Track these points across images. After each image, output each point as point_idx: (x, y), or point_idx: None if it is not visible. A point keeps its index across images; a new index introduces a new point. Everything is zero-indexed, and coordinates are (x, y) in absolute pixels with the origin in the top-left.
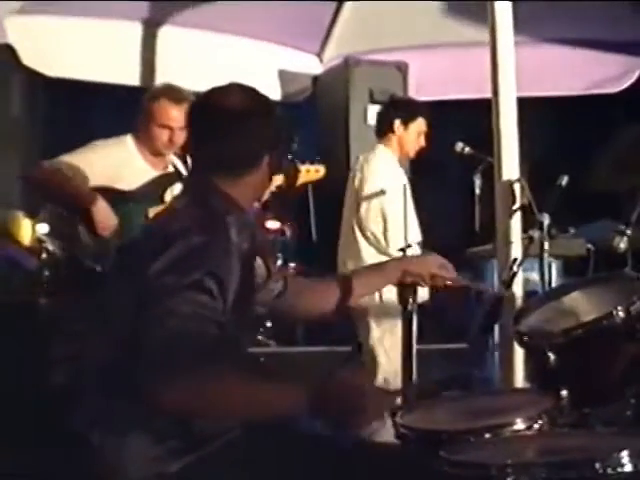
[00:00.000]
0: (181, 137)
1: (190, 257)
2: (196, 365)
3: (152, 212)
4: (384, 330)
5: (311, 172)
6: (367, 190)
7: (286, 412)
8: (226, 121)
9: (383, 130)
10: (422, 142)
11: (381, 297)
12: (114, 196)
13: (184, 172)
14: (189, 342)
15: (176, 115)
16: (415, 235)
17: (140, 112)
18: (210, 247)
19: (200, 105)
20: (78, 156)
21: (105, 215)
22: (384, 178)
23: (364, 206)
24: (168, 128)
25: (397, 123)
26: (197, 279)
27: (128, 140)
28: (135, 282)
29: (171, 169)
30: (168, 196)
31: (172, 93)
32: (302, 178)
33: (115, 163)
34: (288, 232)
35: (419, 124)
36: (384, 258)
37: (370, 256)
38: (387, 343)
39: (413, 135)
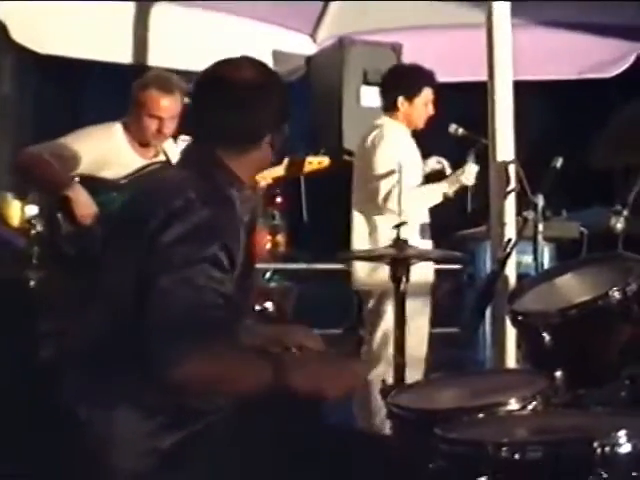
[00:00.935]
0: (171, 126)
1: (202, 229)
2: (209, 337)
3: None
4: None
5: (314, 163)
6: (384, 164)
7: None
8: (234, 94)
9: (387, 106)
10: (430, 111)
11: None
12: (98, 184)
13: (171, 160)
14: (204, 314)
15: (166, 105)
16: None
17: (130, 100)
18: (220, 219)
19: (209, 76)
20: (66, 142)
21: (83, 204)
22: (400, 151)
23: (381, 181)
24: (157, 118)
25: (400, 100)
26: (212, 252)
27: (117, 128)
28: (135, 253)
29: (162, 157)
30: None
31: (162, 82)
32: (306, 168)
33: (102, 151)
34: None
35: (425, 95)
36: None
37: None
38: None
39: (419, 108)
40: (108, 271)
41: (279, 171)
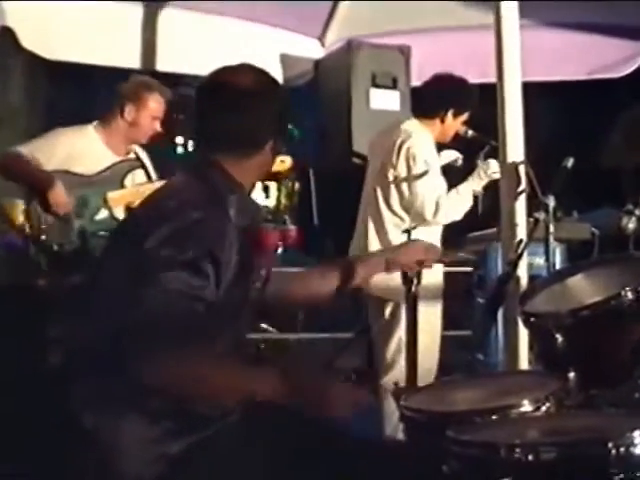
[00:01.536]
0: (153, 127)
1: (186, 233)
2: (178, 343)
3: (111, 196)
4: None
5: (285, 163)
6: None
7: (263, 396)
8: (236, 100)
9: (428, 114)
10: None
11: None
12: (72, 179)
13: (146, 160)
14: (173, 319)
15: (160, 108)
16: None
17: (127, 98)
18: (207, 224)
19: (209, 83)
20: (41, 140)
21: (60, 197)
22: (430, 159)
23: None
24: (156, 119)
25: (451, 112)
26: (191, 257)
27: (89, 127)
28: (129, 258)
29: (132, 156)
30: (128, 181)
31: (161, 88)
32: (275, 167)
33: (76, 147)
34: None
35: (466, 115)
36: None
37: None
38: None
39: (458, 124)
40: (106, 275)
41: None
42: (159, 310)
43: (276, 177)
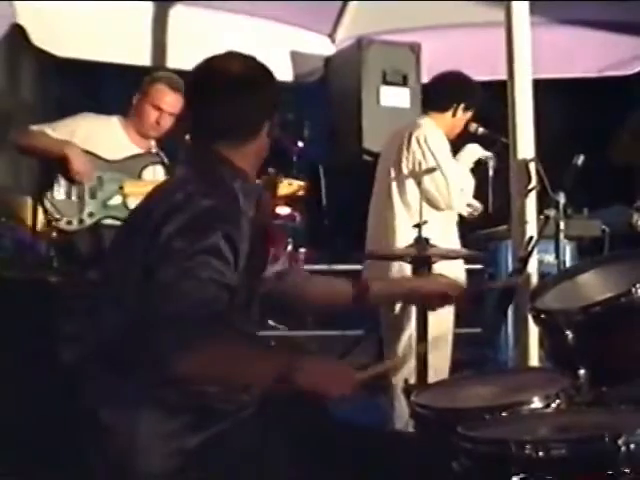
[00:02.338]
0: (169, 123)
1: (202, 220)
2: (212, 329)
3: (128, 184)
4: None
5: (293, 186)
6: (433, 164)
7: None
8: (229, 86)
9: (440, 108)
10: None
11: None
12: (90, 159)
13: (165, 159)
14: (206, 306)
15: (169, 100)
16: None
17: (138, 92)
18: (221, 210)
19: (202, 72)
20: (63, 122)
21: (80, 160)
22: (447, 153)
23: (431, 181)
24: (159, 110)
25: (462, 107)
26: (213, 243)
27: (114, 118)
28: (141, 250)
29: (153, 151)
30: (148, 174)
31: (171, 80)
32: (282, 190)
33: (97, 131)
34: (298, 217)
35: (472, 112)
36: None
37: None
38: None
39: (464, 120)
40: (117, 270)
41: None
42: (189, 300)
43: (290, 200)
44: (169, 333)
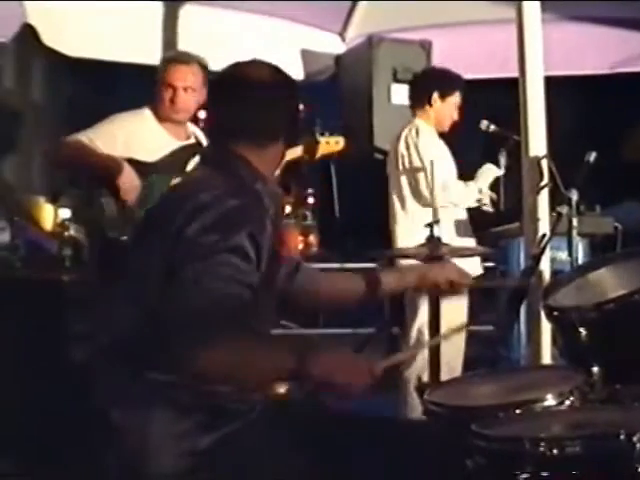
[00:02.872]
0: (185, 98)
1: (228, 219)
2: (231, 328)
3: (175, 183)
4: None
5: (331, 143)
6: (418, 163)
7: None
8: (253, 91)
9: (419, 102)
10: (456, 116)
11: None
12: (135, 166)
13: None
14: (227, 305)
15: (178, 75)
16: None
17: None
18: (246, 210)
19: (226, 77)
20: (99, 129)
21: (130, 179)
22: (432, 151)
23: (418, 178)
24: (171, 87)
25: (435, 95)
26: (238, 242)
27: (146, 111)
28: (162, 248)
29: (192, 140)
30: (191, 168)
31: (179, 54)
32: (321, 150)
33: (134, 133)
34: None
35: (456, 97)
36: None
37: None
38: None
39: (450, 108)
40: (136, 268)
41: (296, 152)
42: (212, 297)
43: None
44: (188, 330)
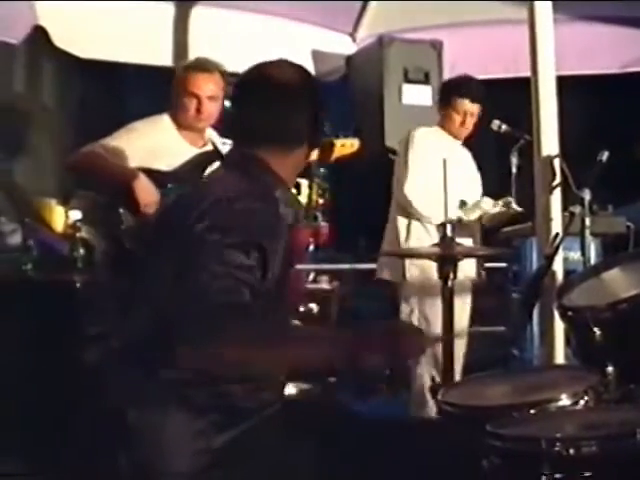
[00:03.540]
0: (210, 108)
1: (235, 219)
2: (230, 322)
3: None
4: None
5: (346, 146)
6: (409, 164)
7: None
8: (279, 94)
9: (438, 107)
10: (469, 125)
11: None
12: (154, 176)
13: (223, 149)
14: (229, 302)
15: (203, 84)
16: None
17: (172, 88)
18: (259, 215)
19: (249, 79)
20: (116, 138)
21: (147, 191)
22: (424, 152)
23: (404, 180)
24: (195, 97)
25: (447, 101)
26: (238, 241)
27: (165, 118)
28: (175, 248)
29: (210, 147)
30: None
31: (200, 62)
32: (337, 152)
33: (153, 142)
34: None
35: (464, 104)
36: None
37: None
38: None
39: (461, 113)
40: (151, 269)
41: (312, 155)
42: (209, 293)
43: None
44: (195, 327)
